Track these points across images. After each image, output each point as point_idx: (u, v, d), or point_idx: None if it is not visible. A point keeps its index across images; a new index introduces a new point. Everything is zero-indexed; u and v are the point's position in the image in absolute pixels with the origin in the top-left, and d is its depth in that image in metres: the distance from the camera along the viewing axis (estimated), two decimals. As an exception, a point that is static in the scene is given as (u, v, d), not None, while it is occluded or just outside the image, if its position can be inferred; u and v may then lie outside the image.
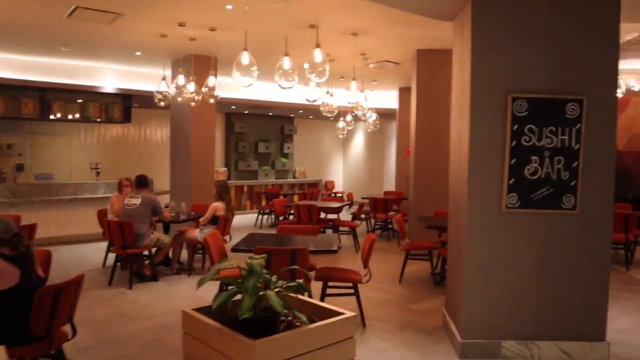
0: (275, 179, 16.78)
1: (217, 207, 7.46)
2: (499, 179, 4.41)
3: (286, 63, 5.28)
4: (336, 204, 10.37)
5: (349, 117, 11.80)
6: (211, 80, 7.06)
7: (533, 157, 4.39)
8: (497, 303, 4.49)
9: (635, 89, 10.24)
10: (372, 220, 11.49)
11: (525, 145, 4.38)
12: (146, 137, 14.61)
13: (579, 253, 4.46)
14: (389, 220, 11.07)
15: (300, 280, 3.09)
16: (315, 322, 2.97)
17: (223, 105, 13.89)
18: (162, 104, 7.58)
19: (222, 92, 10.99)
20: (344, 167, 19.74)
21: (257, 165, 16.38)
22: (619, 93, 9.20)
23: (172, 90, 7.34)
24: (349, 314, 3.10)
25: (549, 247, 4.45)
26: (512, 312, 4.50)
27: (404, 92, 12.97)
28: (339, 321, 3.05)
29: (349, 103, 8.33)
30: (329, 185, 18.77)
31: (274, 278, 3.04)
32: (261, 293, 2.83)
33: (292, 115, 17.04)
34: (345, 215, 12.25)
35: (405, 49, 9.08)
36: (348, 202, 11.43)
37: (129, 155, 14.18)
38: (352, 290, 5.31)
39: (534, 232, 4.44)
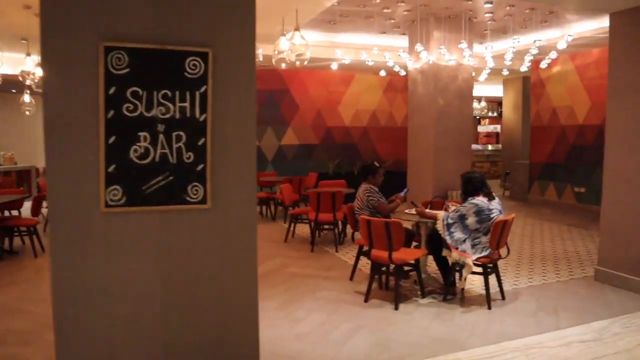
0: (-31, 168, 13.58)
1: None
2: (92, 166, 3.04)
3: None
4: (10, 197, 8.17)
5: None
6: None
7: (142, 134, 3.11)
8: (110, 341, 3.17)
9: (347, 62, 9.97)
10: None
11: (129, 116, 3.07)
12: None
13: (217, 261, 3.34)
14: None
15: None
16: None
17: None
18: None
19: None
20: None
21: (-60, 153, 13.02)
22: (335, 66, 8.71)
23: None
24: None
25: (175, 257, 3.25)
26: (134, 351, 3.22)
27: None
28: None
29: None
30: (49, 173, 15.99)
31: None
32: None
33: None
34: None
35: None
36: (26, 195, 9.28)
37: None
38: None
39: (152, 238, 3.19)
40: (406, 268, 5.60)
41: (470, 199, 5.21)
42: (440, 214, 5.30)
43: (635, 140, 5.71)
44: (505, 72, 11.42)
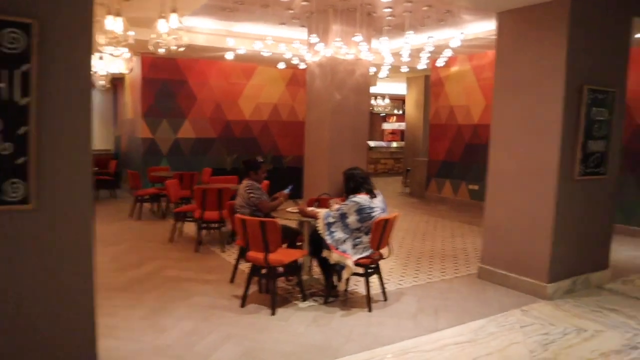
0: None
1: None
2: None
3: None
4: None
5: None
6: None
7: (-57, 119, 2.61)
8: None
9: (242, 52, 9.58)
10: None
11: None
12: None
13: (43, 270, 2.89)
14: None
15: None
16: None
17: None
18: None
19: None
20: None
21: None
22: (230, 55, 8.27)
23: None
24: None
25: (-11, 265, 2.77)
26: None
27: None
28: None
29: None
30: None
31: None
32: None
33: None
34: None
35: None
36: None
37: None
38: None
39: (-43, 244, 2.70)
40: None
41: (351, 196, 5.01)
42: (321, 212, 5.06)
43: (517, 140, 5.77)
44: (405, 69, 11.45)
